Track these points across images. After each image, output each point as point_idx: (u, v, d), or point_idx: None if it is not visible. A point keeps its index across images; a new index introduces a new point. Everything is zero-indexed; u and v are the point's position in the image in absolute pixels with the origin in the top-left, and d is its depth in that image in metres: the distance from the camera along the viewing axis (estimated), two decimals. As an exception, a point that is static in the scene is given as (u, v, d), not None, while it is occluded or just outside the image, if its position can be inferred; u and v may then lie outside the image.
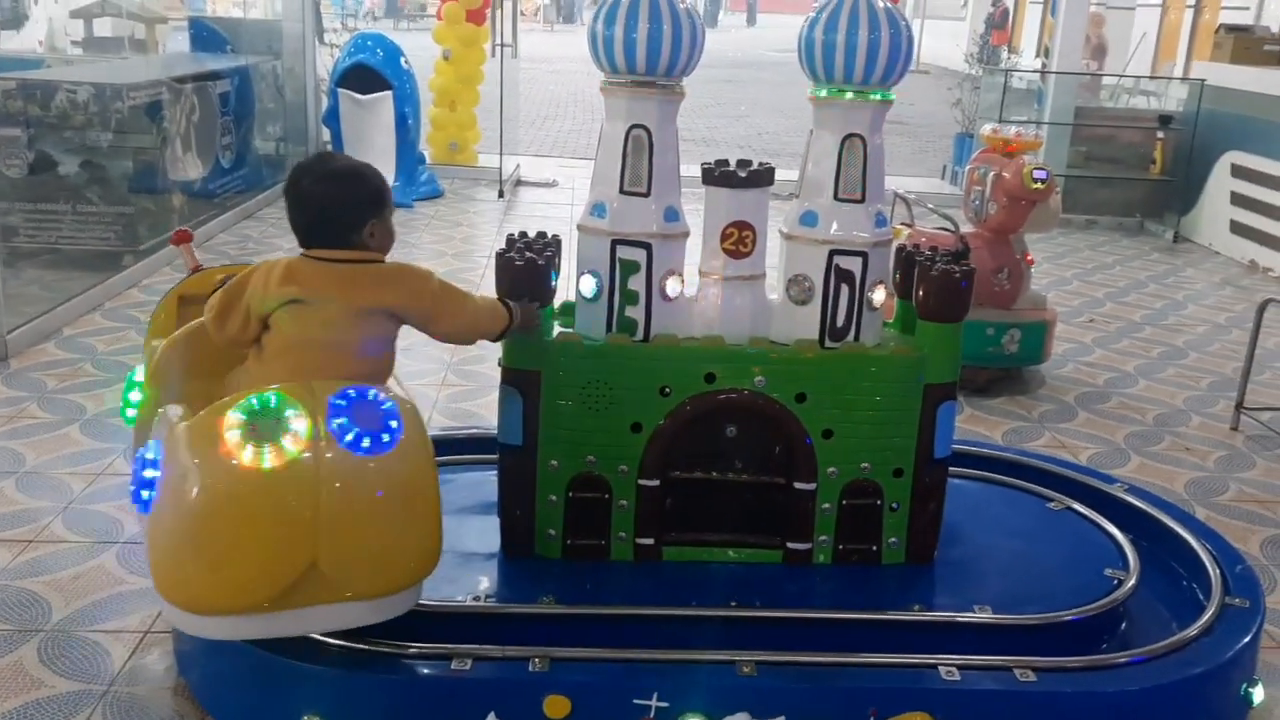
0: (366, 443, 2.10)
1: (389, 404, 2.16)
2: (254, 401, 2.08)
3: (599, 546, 2.73)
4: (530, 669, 2.30)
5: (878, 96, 2.63)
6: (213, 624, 2.16)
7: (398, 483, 2.14)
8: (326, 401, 2.11)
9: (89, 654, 2.70)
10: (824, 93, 2.65)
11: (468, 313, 2.43)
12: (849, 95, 2.62)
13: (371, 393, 2.16)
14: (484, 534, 2.79)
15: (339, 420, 2.09)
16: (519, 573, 2.69)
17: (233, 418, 2.06)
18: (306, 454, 2.05)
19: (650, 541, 2.73)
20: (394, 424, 2.14)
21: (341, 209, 2.33)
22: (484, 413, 4.29)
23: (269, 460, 2.03)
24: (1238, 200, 8.07)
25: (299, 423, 2.07)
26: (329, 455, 2.07)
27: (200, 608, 2.12)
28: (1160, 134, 8.83)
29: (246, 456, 2.03)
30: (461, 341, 2.58)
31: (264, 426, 2.05)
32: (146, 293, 5.67)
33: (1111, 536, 2.95)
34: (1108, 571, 2.76)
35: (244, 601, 2.10)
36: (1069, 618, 2.58)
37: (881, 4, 2.57)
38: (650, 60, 2.54)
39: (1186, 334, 6.02)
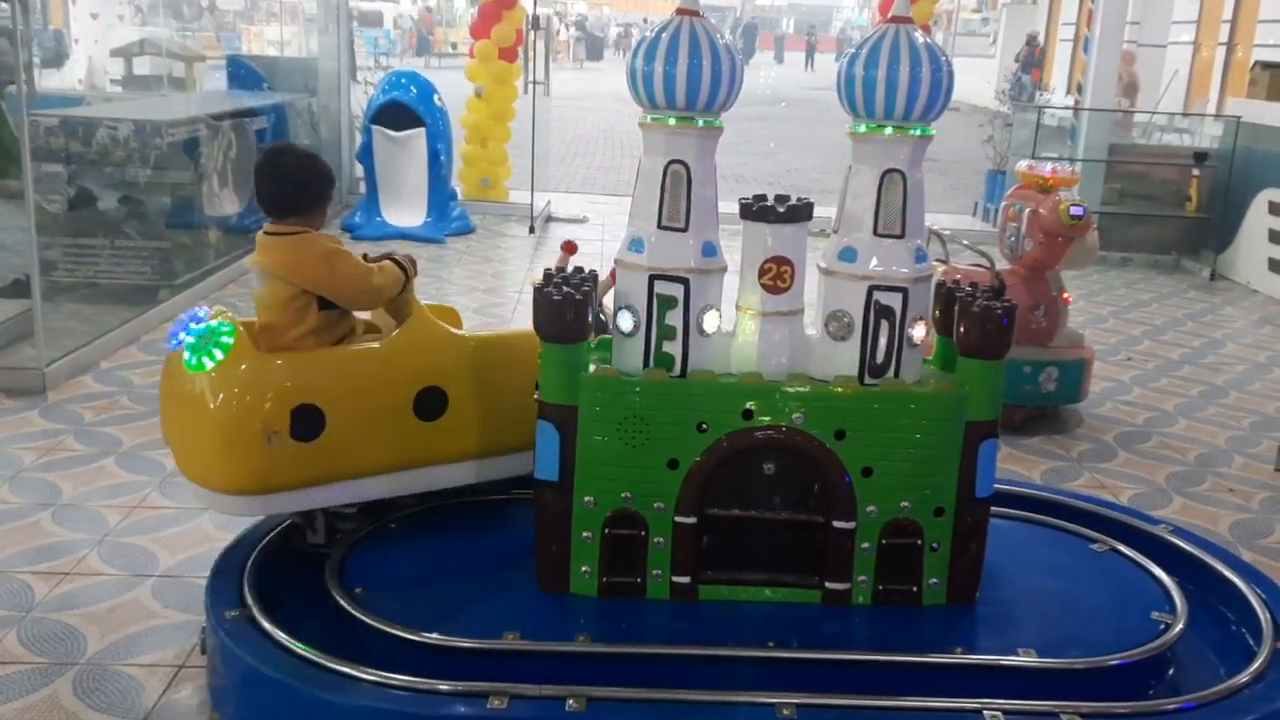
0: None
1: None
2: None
3: (635, 584, 2.70)
4: (566, 708, 2.27)
5: (917, 132, 2.62)
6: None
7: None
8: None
9: (124, 688, 2.70)
10: (863, 128, 2.64)
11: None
12: (889, 131, 2.61)
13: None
14: (519, 571, 2.77)
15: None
16: (554, 610, 2.66)
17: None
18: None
19: (687, 580, 2.70)
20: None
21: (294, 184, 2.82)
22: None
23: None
24: (1276, 238, 7.99)
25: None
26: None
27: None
28: (1196, 171, 8.76)
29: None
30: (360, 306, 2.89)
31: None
32: (182, 326, 5.71)
33: (1157, 579, 2.89)
34: (1154, 615, 2.69)
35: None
36: (1115, 662, 2.52)
37: (922, 39, 2.57)
38: (690, 95, 2.54)
39: (1226, 373, 5.94)
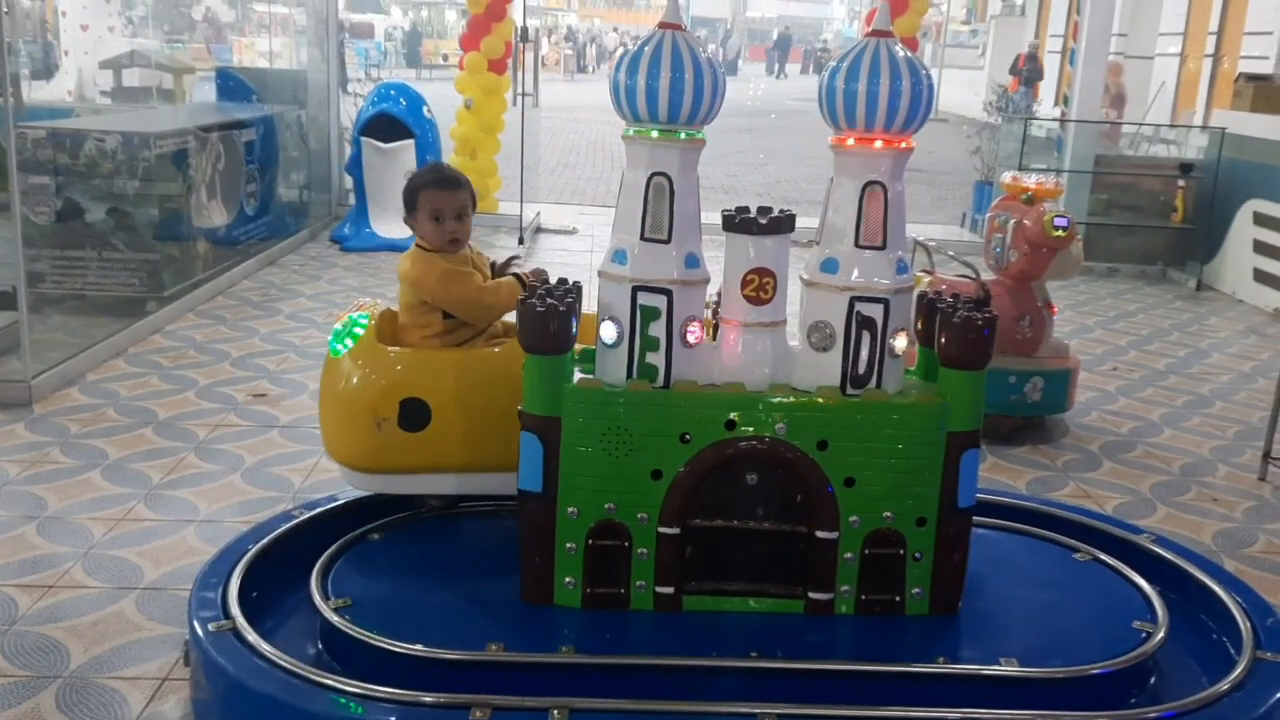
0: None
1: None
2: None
3: (618, 595, 2.71)
4: (549, 720, 2.27)
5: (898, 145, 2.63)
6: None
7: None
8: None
9: (107, 701, 2.69)
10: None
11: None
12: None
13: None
14: (503, 582, 2.77)
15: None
16: (538, 621, 2.66)
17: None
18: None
19: (670, 590, 2.70)
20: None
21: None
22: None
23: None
24: (1261, 248, 8.03)
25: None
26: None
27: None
28: (1181, 182, 8.81)
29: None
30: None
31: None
32: (170, 338, 5.72)
33: (1139, 588, 2.90)
34: (1136, 624, 2.70)
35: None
36: (1097, 671, 2.53)
37: (902, 53, 2.58)
38: (672, 109, 2.55)
39: (1211, 382, 5.97)
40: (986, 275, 4.84)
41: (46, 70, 9.40)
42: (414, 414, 2.89)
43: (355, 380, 2.95)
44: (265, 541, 2.93)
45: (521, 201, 9.02)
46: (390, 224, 8.39)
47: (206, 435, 4.42)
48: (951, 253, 5.01)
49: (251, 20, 11.15)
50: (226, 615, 2.60)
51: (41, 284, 5.80)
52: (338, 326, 3.03)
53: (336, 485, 3.94)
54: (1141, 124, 12.38)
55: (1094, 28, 9.00)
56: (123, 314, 5.77)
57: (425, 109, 8.61)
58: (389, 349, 2.99)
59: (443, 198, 3.06)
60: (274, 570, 2.87)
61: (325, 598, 2.67)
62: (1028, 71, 17.61)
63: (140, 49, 8.75)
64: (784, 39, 43.44)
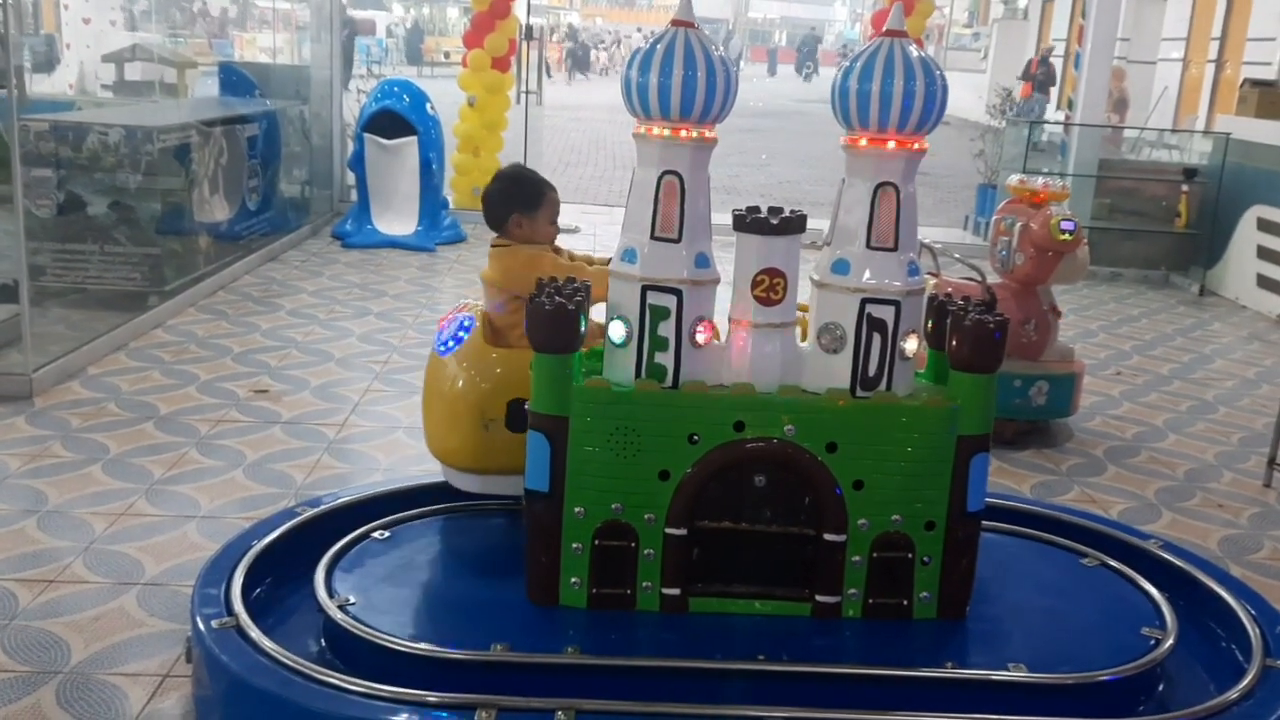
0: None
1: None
2: None
3: (625, 596, 2.69)
4: (555, 721, 2.25)
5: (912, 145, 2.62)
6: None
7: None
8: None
9: (107, 697, 2.67)
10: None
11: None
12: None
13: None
14: (508, 581, 2.76)
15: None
16: (543, 622, 2.64)
17: None
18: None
19: (676, 592, 2.68)
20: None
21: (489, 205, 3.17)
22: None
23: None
24: (1264, 254, 8.02)
25: None
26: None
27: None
28: (1185, 187, 8.80)
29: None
30: None
31: None
32: (171, 333, 5.69)
33: (1148, 594, 2.89)
34: (1145, 631, 2.69)
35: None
36: (1105, 678, 2.51)
37: (916, 53, 2.57)
38: (684, 106, 2.54)
39: (1215, 388, 5.95)
40: (992, 279, 4.82)
41: (48, 63, 9.36)
42: (522, 415, 2.81)
43: (462, 382, 2.98)
44: (269, 538, 2.91)
45: (524, 200, 8.99)
46: (392, 220, 8.38)
47: (208, 431, 4.40)
48: (958, 255, 5.00)
49: (254, 15, 11.13)
50: (230, 612, 2.58)
51: (43, 277, 5.77)
52: (442, 327, 3.08)
53: (339, 482, 3.93)
54: (1145, 128, 12.38)
55: (1099, 32, 8.99)
56: (124, 308, 5.75)
57: (428, 106, 8.59)
58: (495, 350, 3.00)
59: (557, 202, 3.16)
60: (277, 567, 2.85)
61: (329, 595, 2.65)
62: (1041, 76, 17.32)
63: (142, 42, 8.71)
64: (810, 40, 42.02)
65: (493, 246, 3.15)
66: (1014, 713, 2.40)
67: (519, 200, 3.13)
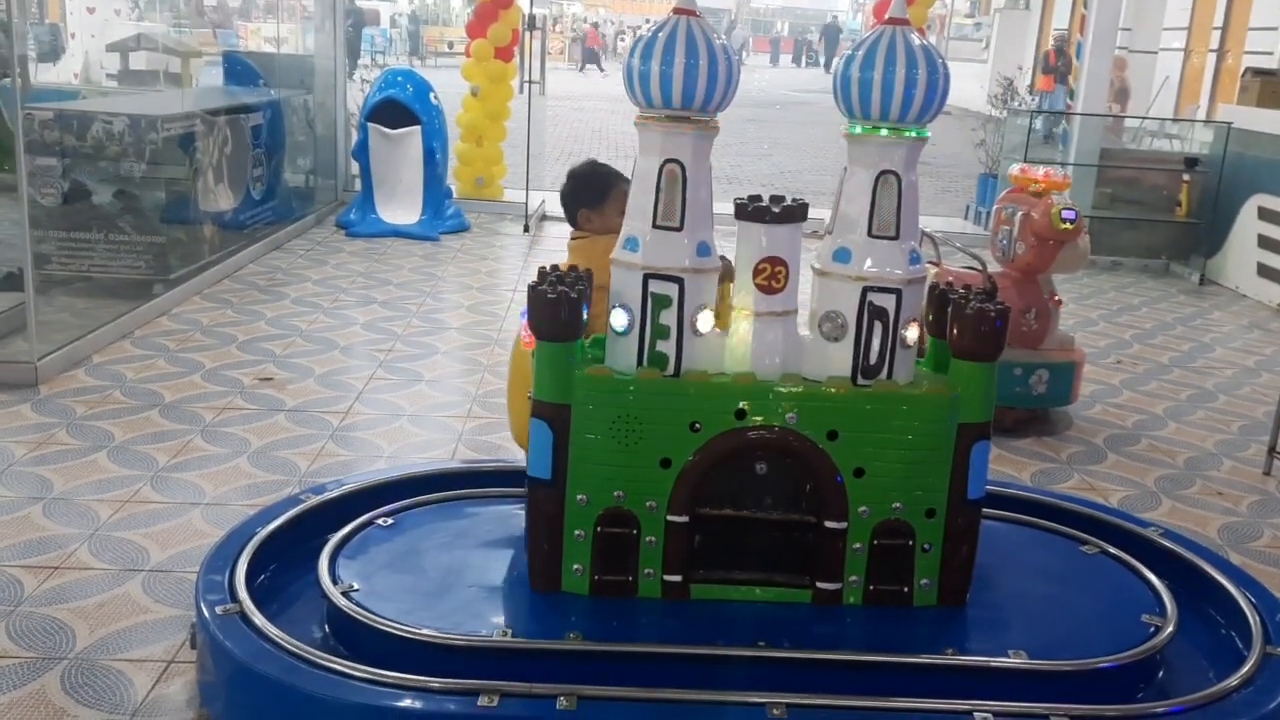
0: None
1: None
2: None
3: (626, 583, 2.70)
4: (557, 707, 2.27)
5: (912, 134, 2.63)
6: None
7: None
8: None
9: (112, 683, 2.69)
10: (859, 129, 2.65)
11: None
12: (884, 132, 2.61)
13: None
14: (511, 568, 2.77)
15: None
16: (546, 608, 2.66)
17: None
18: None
19: (678, 579, 2.70)
20: None
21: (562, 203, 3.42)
22: (509, 445, 4.27)
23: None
24: (1265, 243, 8.02)
25: None
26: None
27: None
28: (1186, 176, 8.79)
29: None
30: None
31: None
32: (176, 321, 5.71)
33: (1148, 582, 2.90)
34: (1144, 618, 2.70)
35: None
36: (1105, 665, 2.53)
37: (918, 42, 2.57)
38: (686, 95, 2.54)
39: (1215, 377, 5.96)
40: (993, 267, 4.83)
41: (53, 53, 9.37)
42: None
43: None
44: (273, 525, 2.93)
45: (527, 189, 9.01)
46: (396, 210, 8.39)
47: (213, 418, 4.41)
48: (959, 244, 5.00)
49: (258, 5, 11.11)
50: (234, 598, 2.60)
51: (48, 265, 5.79)
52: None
53: (343, 470, 3.95)
54: (1146, 118, 12.36)
55: (1101, 21, 8.98)
56: (129, 296, 5.77)
57: (432, 95, 8.59)
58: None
59: (626, 193, 3.02)
60: (282, 554, 2.87)
61: (333, 582, 2.67)
62: (1061, 67, 16.95)
63: (147, 32, 8.71)
64: (832, 29, 39.68)
65: (571, 240, 3.34)
66: (1014, 699, 2.41)
67: (584, 197, 3.35)
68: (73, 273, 5.91)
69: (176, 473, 3.90)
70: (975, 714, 2.33)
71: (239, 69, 8.42)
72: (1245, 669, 2.53)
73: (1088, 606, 2.82)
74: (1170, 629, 2.65)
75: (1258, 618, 2.74)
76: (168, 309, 5.86)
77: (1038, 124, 10.16)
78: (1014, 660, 2.51)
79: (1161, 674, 2.62)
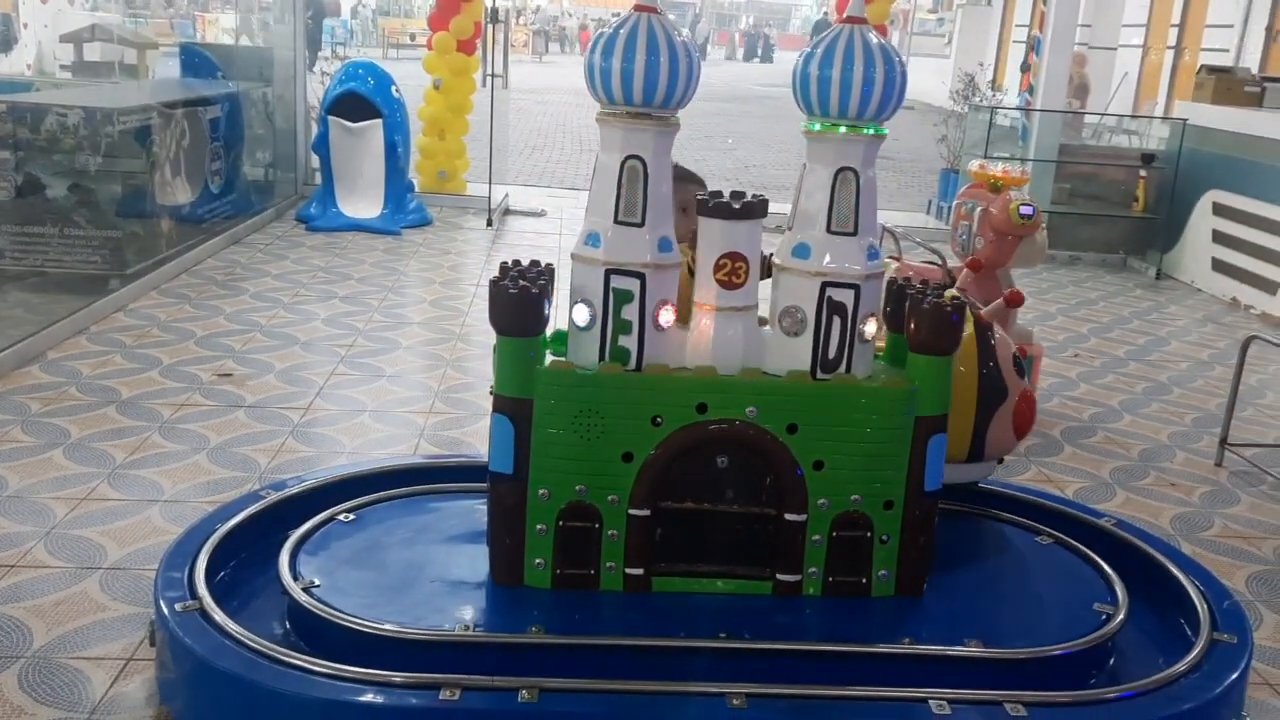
0: None
1: None
2: None
3: (588, 576, 2.72)
4: (519, 700, 2.28)
5: (870, 131, 2.65)
6: None
7: None
8: None
9: (70, 681, 2.67)
10: (818, 126, 2.67)
11: None
12: (842, 129, 2.64)
13: None
14: (473, 563, 2.78)
15: None
16: (508, 602, 2.67)
17: None
18: None
19: (640, 572, 2.72)
20: None
21: None
22: (471, 440, 4.28)
23: None
24: (1219, 238, 8.16)
25: None
26: None
27: None
28: (1143, 172, 8.92)
29: None
30: None
31: None
32: (133, 316, 5.65)
33: (1101, 571, 2.95)
34: (1097, 606, 2.75)
35: None
36: (1058, 652, 2.57)
37: (876, 40, 2.60)
38: (647, 92, 2.55)
39: (1170, 370, 6.06)
40: (952, 263, 4.88)
41: (5, 44, 9.23)
42: None
43: None
44: (233, 521, 2.91)
45: (490, 183, 8.98)
46: (357, 204, 8.34)
47: (171, 415, 4.38)
48: (918, 239, 5.05)
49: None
50: (193, 595, 2.58)
51: (1, 260, 5.71)
52: None
53: (304, 466, 3.93)
54: (1105, 114, 12.51)
55: (1060, 17, 9.08)
56: (85, 291, 5.69)
57: (394, 88, 8.54)
58: None
59: (678, 189, 2.85)
60: (242, 551, 2.86)
61: (294, 578, 2.66)
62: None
63: (102, 22, 8.60)
64: (823, 25, 41.36)
65: None
66: (970, 686, 2.44)
67: None
68: (27, 268, 5.83)
69: (134, 469, 3.87)
70: (931, 702, 2.36)
71: (196, 61, 8.33)
72: (1193, 655, 2.59)
73: (1042, 596, 2.87)
74: (1121, 617, 2.70)
75: (1205, 605, 2.80)
76: (124, 304, 5.80)
77: (1001, 119, 10.23)
78: (970, 649, 2.55)
79: (1113, 661, 2.68)
